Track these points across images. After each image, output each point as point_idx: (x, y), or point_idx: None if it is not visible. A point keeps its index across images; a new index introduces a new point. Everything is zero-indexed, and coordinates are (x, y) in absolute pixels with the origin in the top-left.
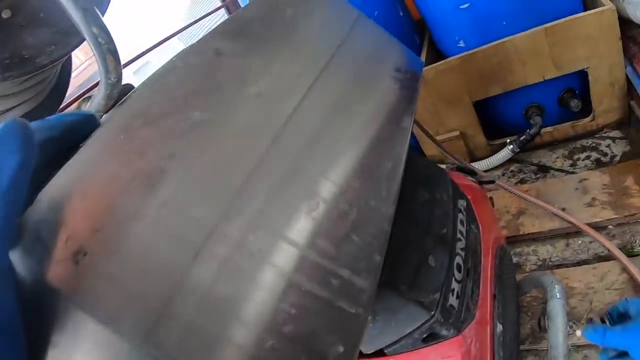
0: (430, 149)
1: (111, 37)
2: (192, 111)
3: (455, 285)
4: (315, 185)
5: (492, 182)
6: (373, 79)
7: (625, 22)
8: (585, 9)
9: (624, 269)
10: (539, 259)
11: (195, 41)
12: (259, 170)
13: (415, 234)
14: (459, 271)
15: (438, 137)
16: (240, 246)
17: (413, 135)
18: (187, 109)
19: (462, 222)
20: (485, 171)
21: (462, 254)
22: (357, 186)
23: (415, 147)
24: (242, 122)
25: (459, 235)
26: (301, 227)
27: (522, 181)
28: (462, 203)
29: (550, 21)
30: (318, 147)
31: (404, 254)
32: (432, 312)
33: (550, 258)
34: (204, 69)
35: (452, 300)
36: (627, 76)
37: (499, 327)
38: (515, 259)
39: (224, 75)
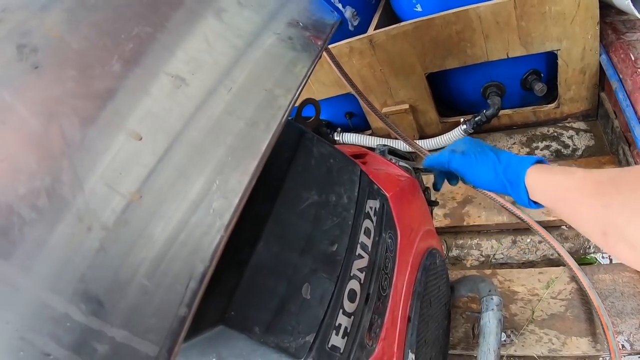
0: (376, 121)
1: None
2: None
3: (343, 320)
4: None
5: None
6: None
7: (605, 7)
8: None
9: (573, 278)
10: (481, 255)
11: None
12: None
13: (287, 255)
14: (352, 300)
15: (385, 109)
16: None
17: (359, 105)
18: None
19: (367, 232)
20: (433, 150)
21: (361, 275)
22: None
23: (360, 118)
24: None
25: (359, 251)
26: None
27: None
28: (373, 205)
29: None
30: None
31: (265, 283)
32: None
33: (494, 255)
34: None
35: (336, 340)
36: (600, 65)
37: (410, 357)
38: (456, 252)
39: None
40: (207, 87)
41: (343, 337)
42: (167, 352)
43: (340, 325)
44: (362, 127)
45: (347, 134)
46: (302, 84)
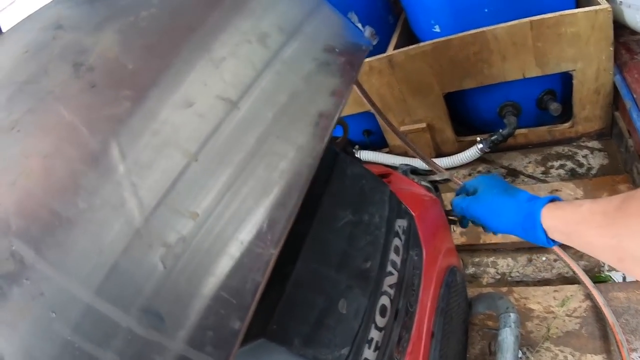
0: (394, 139)
1: None
2: None
3: (374, 334)
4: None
5: (448, 180)
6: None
7: (619, 27)
8: (578, 7)
9: (588, 296)
10: (497, 273)
11: None
12: None
13: (325, 271)
14: (383, 315)
15: (403, 127)
16: None
17: (376, 123)
18: None
19: (397, 250)
20: (450, 169)
21: (391, 292)
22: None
23: (377, 136)
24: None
25: (389, 268)
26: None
27: None
28: (401, 224)
29: (538, 15)
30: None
31: (304, 298)
32: None
33: (510, 273)
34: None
35: (368, 354)
36: (614, 85)
37: None
38: (472, 270)
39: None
40: (256, 111)
41: (374, 351)
42: None
43: (372, 339)
44: (379, 144)
45: (365, 151)
46: (341, 109)
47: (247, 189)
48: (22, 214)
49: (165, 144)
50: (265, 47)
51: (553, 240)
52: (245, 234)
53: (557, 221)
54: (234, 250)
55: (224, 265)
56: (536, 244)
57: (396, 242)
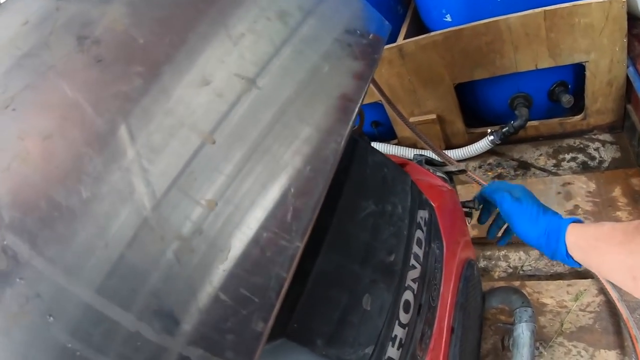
0: (403, 131)
1: None
2: None
3: (398, 331)
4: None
5: (463, 171)
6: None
7: (632, 19)
8: None
9: (602, 290)
10: (509, 266)
11: None
12: None
13: (348, 265)
14: (407, 311)
15: (413, 119)
16: None
17: (385, 114)
18: None
19: (419, 243)
20: (460, 161)
21: (414, 286)
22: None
23: (386, 127)
24: None
25: (412, 262)
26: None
27: (499, 176)
28: (422, 215)
29: (552, 5)
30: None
31: (327, 294)
32: None
33: (522, 266)
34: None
35: (392, 352)
36: (627, 77)
37: None
38: (483, 263)
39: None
40: (276, 91)
41: (398, 349)
42: None
43: (396, 336)
44: (387, 136)
45: (373, 143)
46: (365, 93)
47: (269, 175)
48: (17, 204)
49: (180, 125)
50: (285, 24)
51: (572, 258)
52: (268, 224)
53: (578, 237)
54: (255, 243)
55: (244, 259)
56: (554, 259)
57: (418, 234)
